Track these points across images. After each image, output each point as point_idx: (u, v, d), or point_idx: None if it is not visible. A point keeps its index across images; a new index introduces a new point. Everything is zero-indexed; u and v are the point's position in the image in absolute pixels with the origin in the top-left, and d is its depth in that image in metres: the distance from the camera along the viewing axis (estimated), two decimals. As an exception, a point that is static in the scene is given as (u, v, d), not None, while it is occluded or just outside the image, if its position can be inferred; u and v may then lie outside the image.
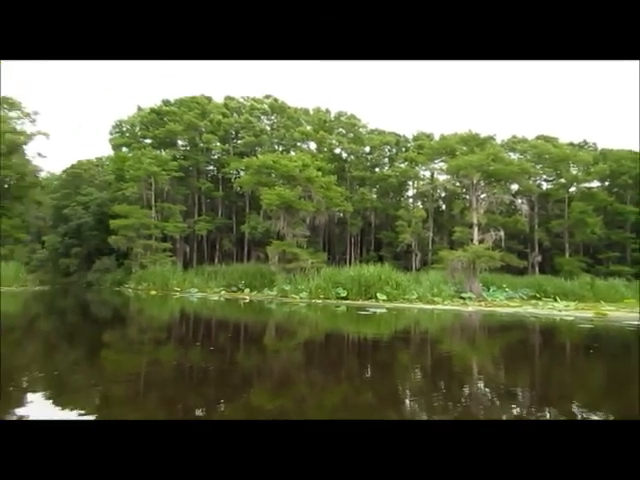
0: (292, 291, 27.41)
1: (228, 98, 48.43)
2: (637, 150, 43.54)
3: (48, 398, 5.44)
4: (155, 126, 44.15)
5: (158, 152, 41.65)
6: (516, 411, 5.32)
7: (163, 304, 23.40)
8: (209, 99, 47.32)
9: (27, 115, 38.26)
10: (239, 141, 46.28)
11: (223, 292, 31.54)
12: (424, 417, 5.07)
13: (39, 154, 40.86)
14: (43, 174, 46.58)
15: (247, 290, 31.43)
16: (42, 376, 6.75)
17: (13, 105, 38.06)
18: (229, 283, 33.29)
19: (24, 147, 38.07)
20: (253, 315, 19.26)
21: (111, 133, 47.82)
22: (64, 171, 53.11)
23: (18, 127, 37.94)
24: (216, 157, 46.81)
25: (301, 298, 26.16)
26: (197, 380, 6.87)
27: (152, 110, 44.93)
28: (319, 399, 5.77)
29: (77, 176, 50.97)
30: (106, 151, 59.67)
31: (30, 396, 5.46)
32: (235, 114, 46.70)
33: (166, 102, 46.18)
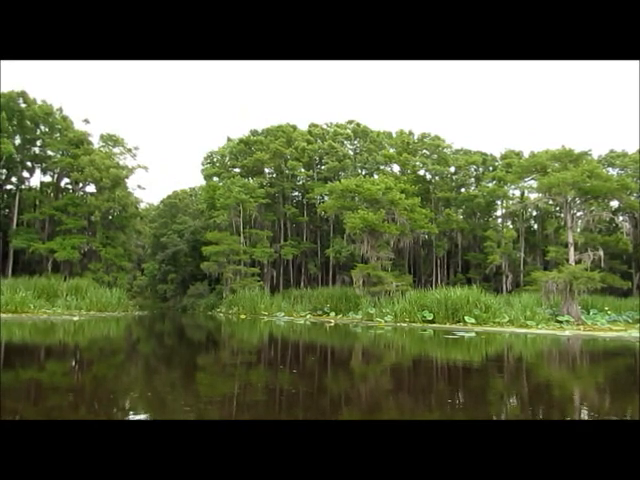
0: (377, 314, 27.26)
1: (312, 125, 49.83)
2: None
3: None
4: (244, 155, 46.36)
5: (246, 180, 43.55)
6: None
7: (252, 328, 24.17)
8: (294, 127, 48.94)
9: (129, 150, 41.66)
10: (323, 167, 47.31)
11: (309, 316, 32.00)
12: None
13: (139, 186, 44.33)
14: (143, 205, 50.30)
15: (332, 314, 31.66)
16: (143, 397, 7.24)
17: (117, 142, 41.67)
18: (315, 307, 33.74)
19: (126, 180, 41.35)
20: (339, 339, 19.36)
21: (203, 164, 50.78)
22: (161, 201, 56.99)
23: (121, 162, 41.39)
24: (301, 183, 48.12)
25: (386, 321, 25.93)
26: (286, 403, 7.02)
27: (241, 140, 47.24)
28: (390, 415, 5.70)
29: (173, 206, 54.48)
30: (198, 181, 63.27)
31: (130, 417, 5.79)
32: (319, 140, 47.87)
33: (254, 132, 48.38)
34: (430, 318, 24.91)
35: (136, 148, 42.34)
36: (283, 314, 32.63)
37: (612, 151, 43.58)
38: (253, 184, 42.77)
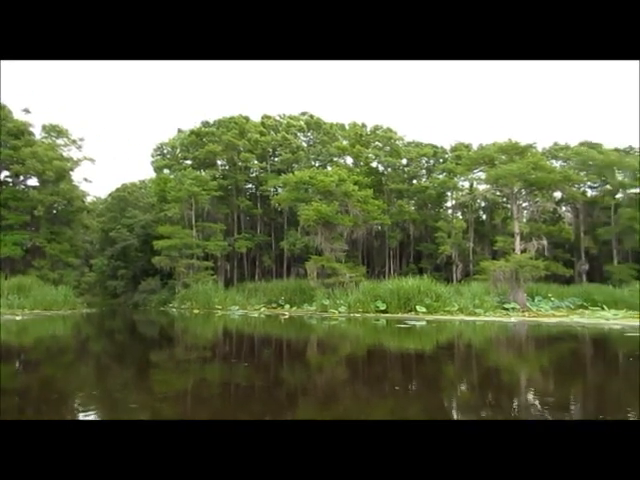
0: (331, 306, 27.45)
1: (265, 117, 49.40)
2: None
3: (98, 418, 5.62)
4: (195, 147, 45.46)
5: (198, 173, 42.77)
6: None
7: (206, 322, 23.85)
8: (247, 119, 48.35)
9: (74, 142, 40.09)
10: (276, 159, 47.05)
11: (263, 309, 31.88)
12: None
13: (85, 179, 42.75)
14: (89, 199, 48.60)
15: (287, 306, 31.67)
16: (94, 395, 7.01)
17: (60, 133, 40.00)
18: (269, 299, 33.66)
19: (71, 173, 39.79)
20: (294, 331, 19.38)
21: (153, 156, 49.49)
22: (109, 195, 55.23)
23: (65, 154, 39.75)
24: (254, 175, 47.68)
25: (340, 313, 26.15)
26: (243, 397, 6.96)
27: (192, 132, 46.27)
28: (366, 414, 5.75)
29: (122, 199, 52.91)
30: (148, 174, 61.68)
31: (81, 417, 5.61)
32: (272, 132, 47.52)
33: (205, 123, 47.48)
34: (383, 308, 25.30)
35: (81, 139, 40.81)
36: (237, 308, 32.37)
37: (556, 144, 45.35)
38: (205, 176, 42.02)
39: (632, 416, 5.32)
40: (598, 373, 9.06)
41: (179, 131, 49.19)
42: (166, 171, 46.96)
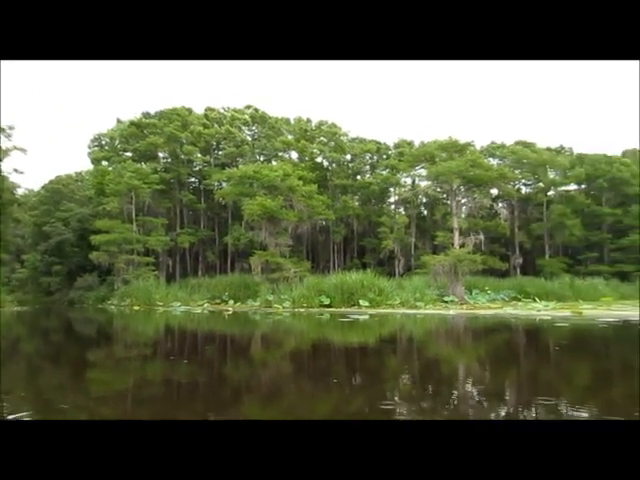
0: (275, 301, 27.43)
1: (209, 109, 48.49)
2: (611, 154, 44.64)
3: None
4: (135, 139, 43.99)
5: (139, 165, 41.46)
6: (499, 405, 5.42)
7: (146, 320, 23.24)
8: (190, 110, 47.29)
9: (2, 130, 37.86)
10: (220, 152, 46.34)
11: (206, 305, 31.40)
12: (414, 419, 5.10)
13: (16, 170, 40.43)
14: (21, 191, 46.11)
15: (231, 302, 31.37)
16: (25, 397, 6.68)
17: (-12, 121, 37.62)
18: (213, 295, 33.21)
19: (0, 163, 37.62)
20: (237, 327, 19.22)
21: (90, 147, 47.55)
22: (43, 187, 52.55)
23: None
24: (198, 169, 46.77)
25: (284, 308, 26.17)
26: (185, 395, 6.83)
27: (132, 123, 44.75)
28: (310, 408, 5.78)
29: (56, 192, 50.42)
30: (85, 165, 59.18)
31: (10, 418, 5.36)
32: (216, 125, 46.71)
33: (146, 114, 46.06)
34: (327, 303, 25.53)
35: (11, 128, 38.53)
36: (180, 304, 31.72)
37: (493, 142, 47.13)
38: (146, 169, 40.81)
39: (560, 400, 5.64)
40: (530, 362, 9.53)
41: (118, 122, 47.50)
42: (104, 163, 45.25)
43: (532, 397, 6.11)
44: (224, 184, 41.92)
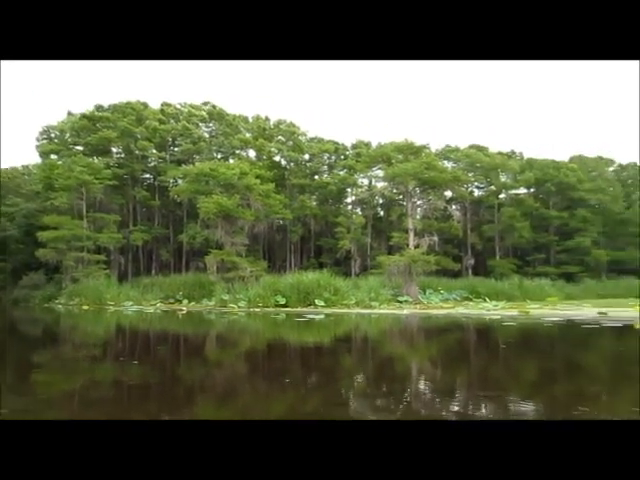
0: (231, 300, 27.16)
1: (165, 104, 47.47)
2: (559, 160, 46.58)
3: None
4: (87, 132, 42.53)
5: (90, 160, 40.16)
6: (451, 401, 5.55)
7: (96, 319, 22.55)
8: (145, 105, 46.17)
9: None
10: (176, 149, 45.52)
11: (160, 304, 30.75)
12: (370, 418, 5.15)
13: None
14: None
15: (185, 301, 30.85)
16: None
17: None
18: (167, 295, 32.55)
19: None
20: (191, 326, 18.92)
21: (38, 139, 45.67)
22: (-14, 180, 50.13)
23: None
24: (153, 165, 45.70)
25: (240, 307, 25.95)
26: (136, 396, 6.66)
27: (84, 116, 43.27)
28: (265, 409, 5.74)
29: (1, 185, 48.18)
30: (33, 159, 56.83)
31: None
32: (172, 121, 45.83)
33: (99, 107, 44.65)
34: (283, 302, 25.48)
35: (-48, 118, 36.63)
36: (132, 303, 30.92)
37: (447, 146, 48.22)
38: (98, 164, 39.59)
39: (507, 395, 5.83)
40: (479, 359, 9.80)
41: (69, 114, 45.82)
42: (53, 157, 43.54)
43: (480, 392, 6.29)
44: (180, 181, 41.19)
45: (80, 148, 43.23)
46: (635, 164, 52.98)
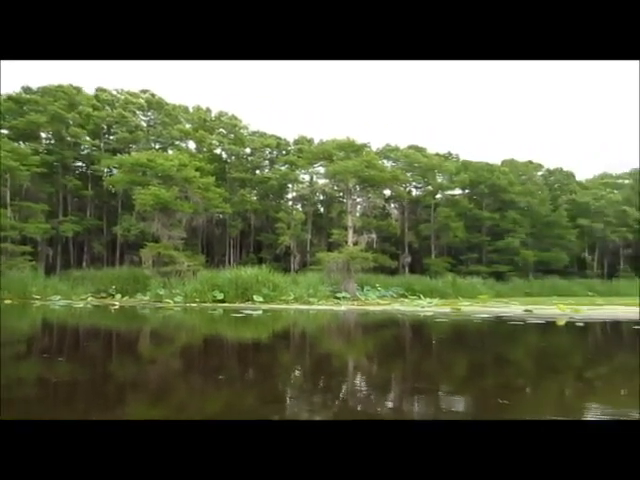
0: (167, 295, 26.46)
1: (100, 90, 45.45)
2: (492, 163, 48.62)
3: None
4: (13, 115, 40.03)
5: (16, 144, 37.83)
6: (385, 395, 5.65)
7: (20, 314, 21.31)
8: (78, 89, 43.95)
9: None
10: (111, 137, 43.72)
11: (90, 298, 29.49)
12: (306, 415, 5.15)
13: None
14: None
15: (118, 296, 29.76)
16: None
17: None
18: (98, 289, 31.23)
19: None
20: (124, 322, 18.28)
21: (-42, 121, 42.55)
22: None
23: None
24: (86, 153, 43.64)
25: (176, 302, 25.34)
26: (63, 394, 6.33)
27: (9, 97, 40.64)
28: (200, 407, 5.61)
29: None
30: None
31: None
32: (107, 107, 43.99)
33: (27, 89, 42.12)
34: (221, 298, 25.12)
35: None
36: (60, 297, 29.44)
37: (388, 145, 49.13)
38: (25, 149, 37.32)
39: (438, 387, 6.03)
40: (413, 354, 10.08)
41: (-7, 95, 42.98)
42: (-26, 140, 40.72)
43: (413, 386, 6.47)
44: (114, 171, 39.61)
45: (5, 132, 40.62)
46: (561, 169, 56.20)
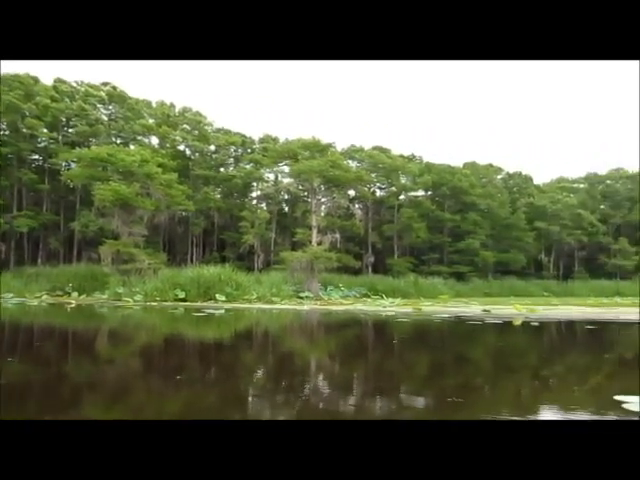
0: (126, 294, 25.88)
1: (59, 81, 44.02)
2: (454, 165, 49.63)
3: None
4: (-36, 105, 38.38)
5: (-32, 136, 36.32)
6: (347, 394, 5.67)
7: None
8: (35, 79, 42.43)
9: None
10: (70, 130, 42.44)
11: (45, 296, 28.57)
12: (267, 415, 5.11)
13: None
14: None
15: (75, 294, 28.93)
16: None
17: None
18: (54, 286, 30.28)
19: None
20: (80, 321, 17.78)
21: None
22: None
23: None
24: (42, 146, 42.23)
25: (135, 301, 24.81)
26: (13, 396, 6.08)
27: (-40, 86, 38.97)
28: (159, 408, 5.49)
29: None
30: None
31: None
32: (67, 99, 42.65)
33: (-20, 78, 40.42)
34: (182, 296, 24.75)
35: None
36: (12, 295, 28.43)
37: (352, 145, 49.43)
38: (-23, 141, 35.91)
39: (398, 385, 6.10)
40: (374, 354, 10.17)
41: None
42: None
43: (373, 384, 6.53)
44: (73, 165, 38.48)
45: (-46, 121, 38.93)
46: (520, 173, 57.83)
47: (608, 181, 59.53)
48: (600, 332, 14.00)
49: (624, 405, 4.73)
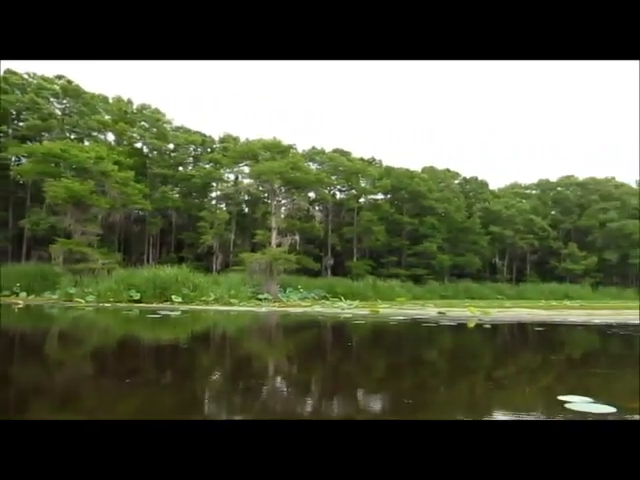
0: (78, 294, 25.07)
1: (9, 72, 42.24)
2: (413, 169, 50.46)
3: None
4: None
5: None
6: (306, 395, 5.65)
7: None
8: (-17, 71, 40.70)
9: None
10: (21, 123, 40.82)
11: (-9, 296, 27.37)
12: (224, 416, 5.03)
13: None
14: None
15: (24, 294, 27.83)
16: None
17: None
18: (1, 286, 29.02)
19: None
20: (28, 322, 17.10)
21: None
22: None
23: None
24: (-10, 140, 40.48)
25: (88, 302, 24.07)
26: None
27: None
28: (110, 411, 5.31)
29: None
30: None
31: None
32: (18, 92, 41.00)
33: None
34: (137, 297, 24.18)
35: None
36: (-45, 295, 27.11)
37: (313, 148, 49.55)
38: None
39: (355, 386, 6.14)
40: (331, 355, 10.21)
41: None
42: None
43: (329, 386, 6.55)
44: (23, 160, 37.05)
45: None
46: (476, 178, 59.33)
47: (559, 188, 61.88)
48: (549, 334, 14.51)
49: (567, 405, 4.91)
